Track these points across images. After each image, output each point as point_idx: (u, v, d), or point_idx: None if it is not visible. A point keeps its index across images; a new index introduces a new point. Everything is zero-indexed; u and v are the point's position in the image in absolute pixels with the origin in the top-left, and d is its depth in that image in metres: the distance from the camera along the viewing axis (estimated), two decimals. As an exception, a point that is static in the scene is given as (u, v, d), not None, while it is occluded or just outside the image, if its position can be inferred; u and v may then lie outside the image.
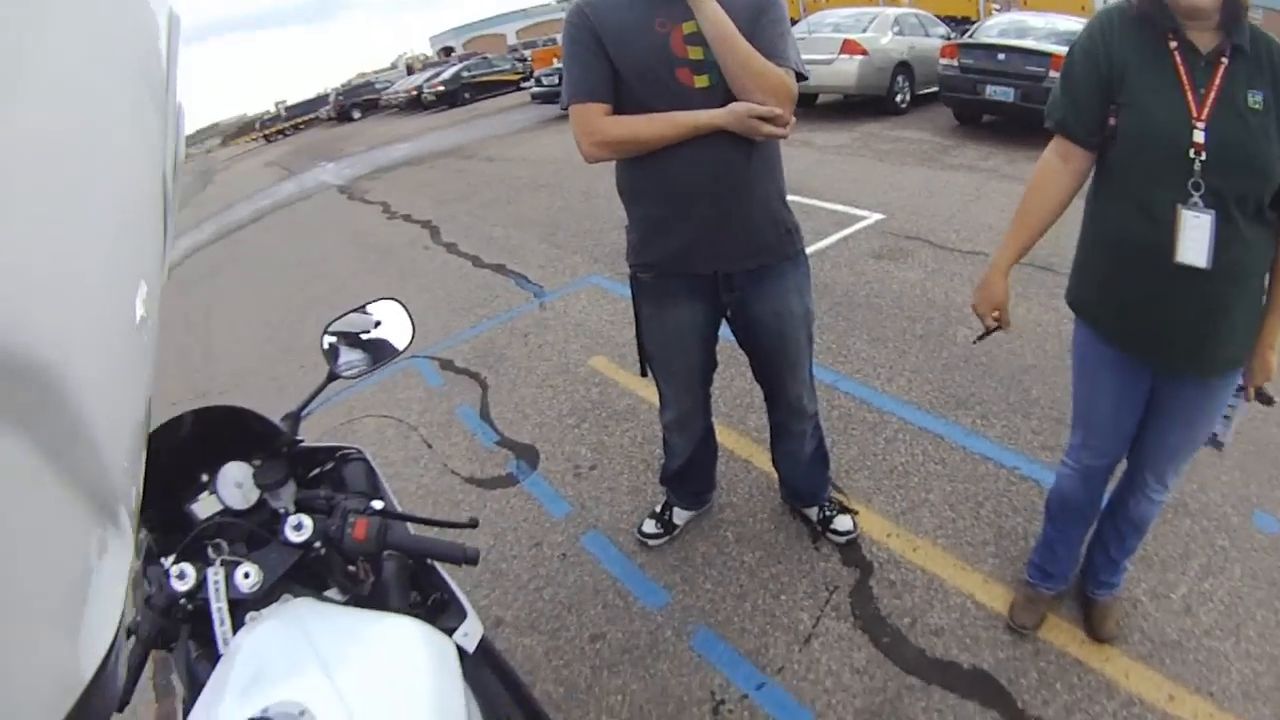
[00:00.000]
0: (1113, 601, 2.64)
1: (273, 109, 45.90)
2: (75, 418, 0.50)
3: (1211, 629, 2.60)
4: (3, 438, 0.42)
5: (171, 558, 1.25)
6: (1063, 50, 9.24)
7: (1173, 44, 1.82)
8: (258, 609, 1.21)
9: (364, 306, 1.85)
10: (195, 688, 1.21)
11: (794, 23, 15.06)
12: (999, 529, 3.07)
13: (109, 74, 0.56)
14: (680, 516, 3.14)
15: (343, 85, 38.86)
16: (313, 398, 1.62)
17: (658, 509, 3.16)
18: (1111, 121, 1.94)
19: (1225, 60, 1.77)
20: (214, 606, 1.17)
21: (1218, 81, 1.78)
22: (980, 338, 2.35)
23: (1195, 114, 1.79)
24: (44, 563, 0.51)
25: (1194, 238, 1.82)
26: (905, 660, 2.54)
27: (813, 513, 3.10)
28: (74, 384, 0.49)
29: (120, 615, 0.71)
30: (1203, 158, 1.78)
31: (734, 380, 4.12)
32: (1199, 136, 1.78)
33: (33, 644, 0.51)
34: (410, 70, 46.23)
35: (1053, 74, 8.87)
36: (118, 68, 0.58)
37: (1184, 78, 1.80)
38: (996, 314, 2.24)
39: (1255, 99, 1.76)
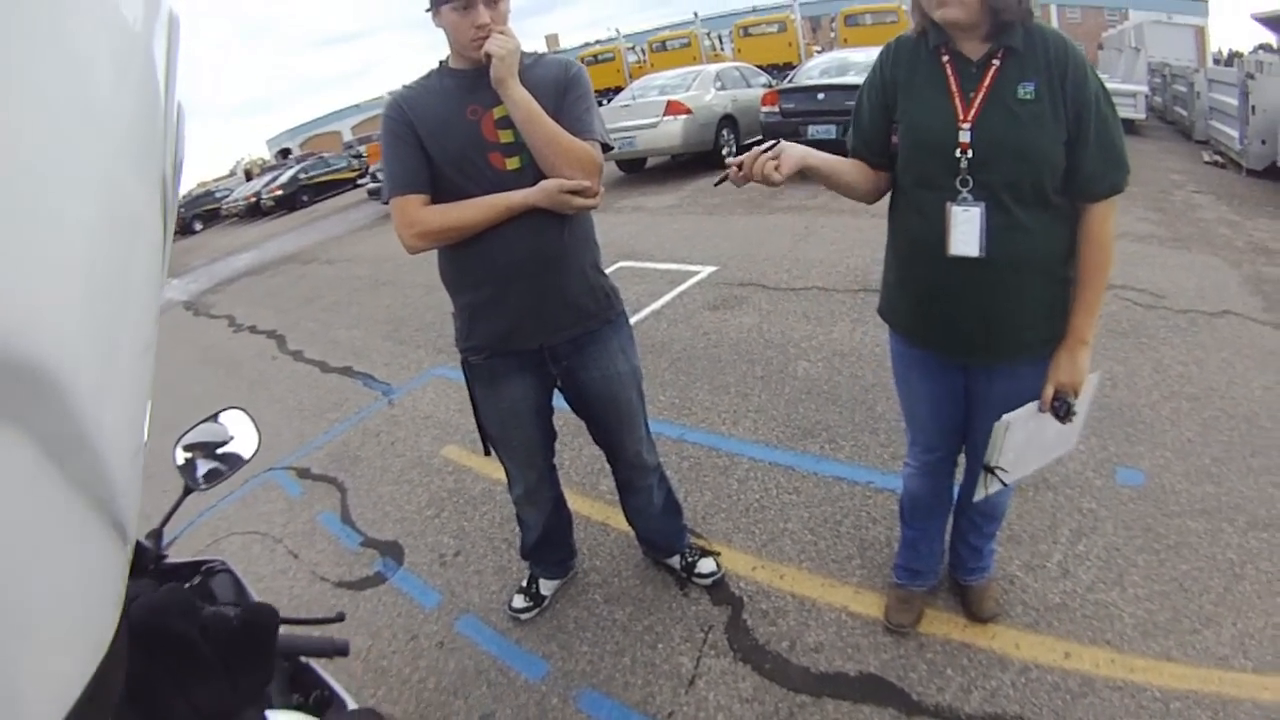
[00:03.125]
0: (987, 583, 2.73)
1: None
2: (77, 418, 0.50)
3: (1094, 584, 2.76)
4: (4, 437, 0.43)
5: None
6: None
7: (944, 57, 1.95)
8: None
9: (212, 418, 1.86)
10: None
11: (619, 90, 15.55)
12: (861, 541, 3.21)
13: (109, 74, 0.55)
14: (547, 587, 3.16)
15: (183, 197, 37.42)
16: (172, 512, 1.61)
17: (524, 583, 3.17)
18: (894, 139, 2.07)
19: (996, 62, 1.90)
20: None
21: (987, 83, 1.90)
22: (719, 182, 2.20)
23: (961, 116, 1.91)
24: (44, 562, 0.51)
25: (964, 231, 1.95)
26: (791, 680, 2.61)
27: (675, 561, 3.16)
28: (75, 385, 0.48)
29: (120, 616, 0.70)
30: (969, 155, 1.90)
31: (582, 449, 4.18)
32: (964, 136, 1.91)
33: (32, 644, 0.51)
34: (249, 176, 44.88)
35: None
36: (118, 68, 0.57)
37: (953, 84, 1.94)
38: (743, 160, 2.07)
39: (1026, 90, 1.87)
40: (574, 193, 2.23)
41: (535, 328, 2.42)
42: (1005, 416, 2.12)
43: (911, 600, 2.75)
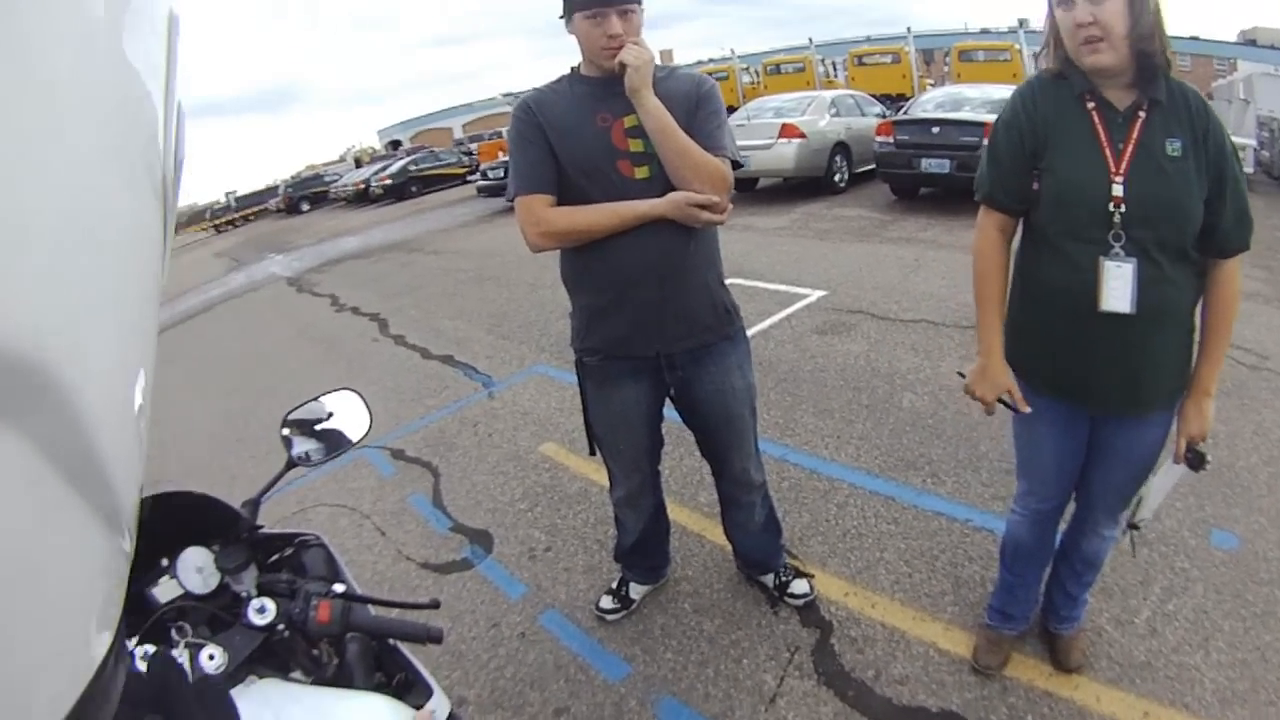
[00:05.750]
0: (1077, 634, 2.67)
1: (223, 199, 44.67)
2: (76, 418, 0.50)
3: (1179, 645, 2.68)
4: (3, 438, 0.43)
5: (134, 640, 1.19)
6: (994, 119, 9.46)
7: (1090, 104, 1.90)
8: None
9: (321, 396, 1.85)
10: None
11: (733, 110, 15.53)
12: (956, 579, 3.14)
13: (108, 74, 0.55)
14: (637, 591, 3.15)
15: (292, 177, 38.36)
16: (272, 485, 1.61)
17: (614, 585, 3.17)
18: (1035, 186, 2.01)
19: (1143, 113, 1.85)
20: None
21: (1135, 135, 1.86)
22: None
23: (1114, 169, 1.86)
24: (44, 563, 0.51)
25: (1116, 286, 1.89)
26: (873, 710, 2.57)
27: (769, 579, 3.13)
28: (75, 384, 0.48)
29: (119, 617, 0.70)
30: (1122, 210, 1.86)
31: (684, 459, 4.17)
32: (1118, 190, 1.86)
33: (32, 645, 0.51)
34: (358, 163, 45.85)
35: (986, 142, 9.01)
36: (116, 68, 0.57)
37: (1102, 135, 1.88)
38: (1007, 394, 2.24)
39: (1174, 147, 1.83)
40: (702, 207, 2.22)
41: (653, 336, 2.41)
42: (1150, 480, 2.19)
43: (1000, 643, 2.70)
